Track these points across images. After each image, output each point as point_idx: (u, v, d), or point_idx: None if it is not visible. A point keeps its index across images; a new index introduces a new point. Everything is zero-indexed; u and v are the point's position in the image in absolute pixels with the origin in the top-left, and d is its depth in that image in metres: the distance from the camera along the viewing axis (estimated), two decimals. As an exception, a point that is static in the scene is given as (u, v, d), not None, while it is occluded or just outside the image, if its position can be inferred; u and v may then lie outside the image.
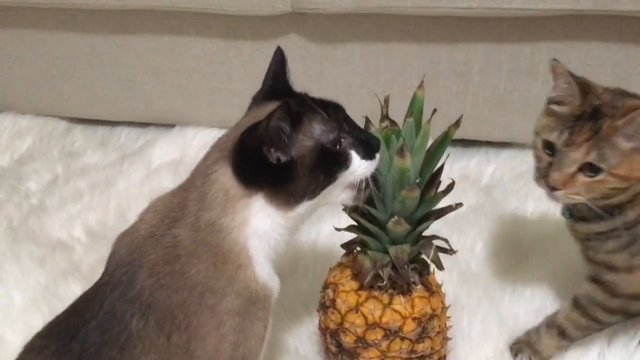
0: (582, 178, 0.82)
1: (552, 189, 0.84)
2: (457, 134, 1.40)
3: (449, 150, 1.39)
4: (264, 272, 0.78)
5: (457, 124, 0.84)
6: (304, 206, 0.76)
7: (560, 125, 0.83)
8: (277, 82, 0.83)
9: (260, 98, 0.83)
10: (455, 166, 1.41)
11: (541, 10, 1.15)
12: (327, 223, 1.17)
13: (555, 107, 0.86)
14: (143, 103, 1.54)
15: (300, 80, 1.44)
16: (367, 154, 0.76)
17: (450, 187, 0.85)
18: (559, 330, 0.96)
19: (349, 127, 0.77)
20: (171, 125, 1.55)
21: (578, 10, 1.14)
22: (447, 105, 1.37)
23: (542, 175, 0.86)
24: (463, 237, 1.21)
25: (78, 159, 1.51)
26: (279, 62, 0.85)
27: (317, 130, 0.74)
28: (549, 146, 0.85)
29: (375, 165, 0.78)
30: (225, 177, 0.75)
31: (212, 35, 1.38)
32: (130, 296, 0.72)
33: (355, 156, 0.76)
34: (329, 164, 0.75)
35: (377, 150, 0.77)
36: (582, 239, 0.93)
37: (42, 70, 1.54)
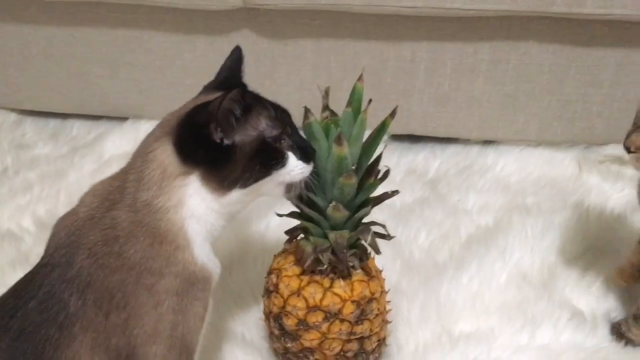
0: None
1: None
2: (405, 130, 1.48)
3: (398, 145, 1.49)
4: (202, 254, 0.79)
5: (392, 114, 0.88)
6: (236, 194, 0.79)
7: None
8: (231, 77, 0.86)
9: (211, 87, 0.87)
10: (402, 160, 1.45)
11: (481, 11, 1.20)
12: (275, 216, 1.20)
13: None
14: (96, 96, 1.54)
15: (253, 75, 1.47)
16: (304, 158, 0.81)
17: (386, 174, 0.89)
18: None
19: (292, 131, 0.81)
20: (124, 119, 1.55)
21: (516, 11, 1.19)
22: (395, 101, 1.38)
23: None
24: (408, 228, 1.26)
25: (28, 151, 1.50)
26: (235, 59, 0.88)
27: (263, 124, 0.78)
28: None
29: (309, 171, 0.82)
30: (164, 155, 0.77)
31: (166, 30, 1.40)
32: (69, 276, 0.73)
33: (292, 157, 0.80)
34: (266, 158, 0.79)
35: (313, 157, 0.83)
36: None
37: (-6, 61, 1.53)
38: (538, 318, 1.06)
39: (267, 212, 1.24)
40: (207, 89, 0.87)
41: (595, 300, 1.11)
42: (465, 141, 1.47)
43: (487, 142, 1.46)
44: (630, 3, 1.15)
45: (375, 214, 0.93)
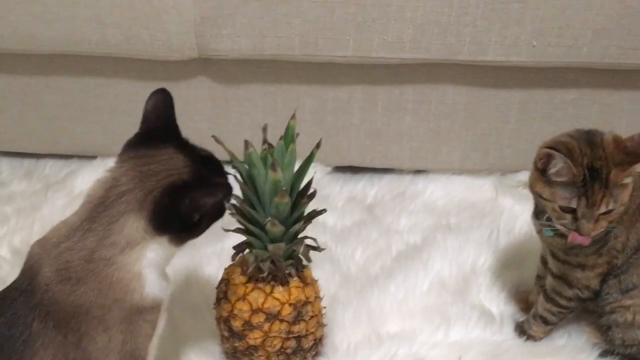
0: (603, 220, 1.00)
1: (584, 235, 1.01)
2: (346, 162, 1.68)
3: (340, 175, 1.68)
4: (155, 289, 0.87)
5: (317, 146, 1.05)
6: (191, 241, 0.90)
7: (572, 193, 0.98)
8: (164, 125, 0.91)
9: (143, 140, 0.91)
10: (344, 189, 1.64)
11: (401, 59, 1.41)
12: (230, 239, 1.36)
13: (558, 179, 1.00)
14: (67, 137, 1.69)
15: (210, 115, 1.67)
16: (228, 200, 0.92)
17: (313, 194, 1.06)
18: (542, 319, 1.17)
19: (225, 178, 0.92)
20: (93, 157, 1.70)
21: (430, 59, 1.40)
22: (335, 137, 1.61)
23: (570, 228, 1.02)
24: (346, 247, 1.43)
25: (4, 188, 1.64)
26: (166, 103, 0.92)
27: (220, 193, 0.88)
28: (572, 210, 1.00)
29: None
30: (133, 229, 0.83)
31: (131, 77, 1.57)
32: (31, 304, 0.83)
33: (226, 205, 0.92)
34: (219, 214, 0.90)
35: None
36: (561, 249, 1.10)
37: (-28, 107, 1.68)
38: (452, 318, 1.23)
39: (223, 236, 1.39)
40: (139, 142, 0.91)
41: (503, 304, 1.28)
42: (399, 171, 1.66)
43: (418, 172, 1.66)
44: (524, 52, 1.37)
45: (319, 236, 1.11)
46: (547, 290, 1.16)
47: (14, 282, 0.89)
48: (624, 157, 0.98)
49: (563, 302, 1.14)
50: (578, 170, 0.97)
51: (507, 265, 1.36)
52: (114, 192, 0.84)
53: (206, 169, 0.88)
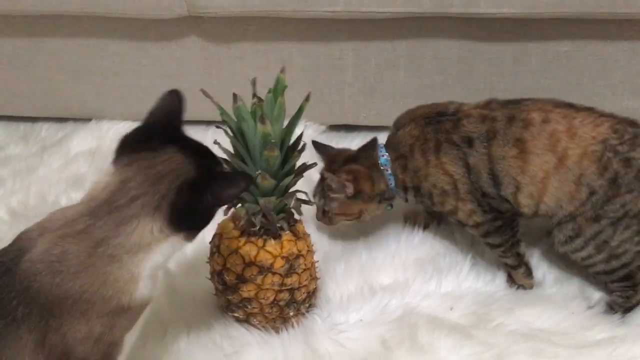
0: (325, 216, 1.29)
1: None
2: (340, 120, 1.68)
3: (335, 134, 1.68)
4: (145, 290, 0.87)
5: (307, 98, 1.05)
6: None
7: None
8: (168, 124, 0.89)
9: (142, 136, 0.87)
10: (339, 147, 1.63)
11: (393, 13, 1.39)
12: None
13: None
14: (61, 100, 1.70)
15: (202, 75, 1.66)
16: None
17: (302, 148, 1.07)
18: (508, 266, 1.24)
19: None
20: (88, 119, 1.71)
21: (421, 13, 1.39)
22: (328, 95, 1.61)
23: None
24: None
25: (0, 151, 1.65)
26: (176, 104, 0.89)
27: (243, 183, 0.87)
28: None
29: None
30: (144, 231, 0.83)
31: (121, 37, 1.57)
32: (17, 289, 0.82)
33: None
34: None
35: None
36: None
37: (-35, 71, 1.68)
38: (444, 270, 1.25)
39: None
40: (137, 140, 0.87)
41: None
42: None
43: (412, 129, 1.66)
44: (516, 3, 1.35)
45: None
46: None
47: (3, 249, 0.87)
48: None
49: (491, 240, 1.20)
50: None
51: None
52: (123, 195, 0.84)
53: (207, 162, 0.88)
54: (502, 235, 1.20)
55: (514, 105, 1.17)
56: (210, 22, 1.51)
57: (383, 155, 1.24)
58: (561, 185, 1.10)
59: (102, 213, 0.83)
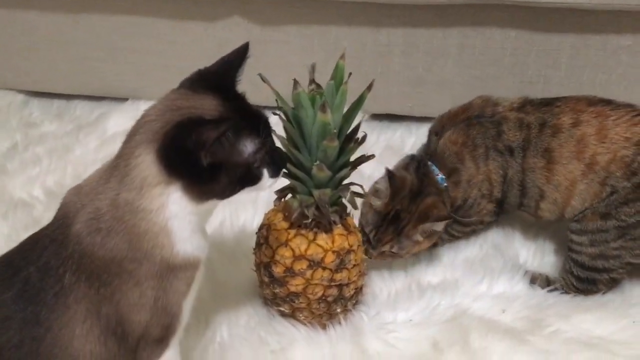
0: (389, 255, 1.17)
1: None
2: (384, 110, 1.62)
3: (378, 124, 1.63)
4: (187, 247, 0.83)
5: (369, 87, 1.00)
6: (212, 202, 0.84)
7: (372, 221, 1.15)
8: (225, 74, 0.85)
9: (200, 79, 0.85)
10: (382, 137, 1.59)
11: (447, -2, 1.34)
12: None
13: (372, 199, 1.16)
14: (98, 78, 1.66)
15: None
16: (275, 173, 0.86)
17: (363, 138, 1.02)
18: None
19: (269, 146, 0.84)
20: (124, 99, 1.67)
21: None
22: (375, 83, 1.55)
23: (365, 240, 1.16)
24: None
25: (36, 128, 1.62)
26: (240, 56, 0.87)
27: (249, 150, 0.80)
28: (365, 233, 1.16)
29: (277, 181, 0.87)
30: (145, 164, 0.78)
31: (163, 16, 1.52)
32: (63, 256, 0.80)
33: (265, 176, 0.84)
34: (247, 179, 0.83)
35: (284, 168, 0.88)
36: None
37: (1, 46, 1.64)
38: (496, 271, 1.20)
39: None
40: (201, 76, 0.85)
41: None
42: (438, 120, 1.61)
43: (458, 121, 1.60)
44: (582, -7, 1.29)
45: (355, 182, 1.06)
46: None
47: (46, 227, 0.85)
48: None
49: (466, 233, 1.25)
50: (387, 207, 1.12)
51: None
52: (139, 124, 0.81)
53: (243, 119, 0.80)
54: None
55: (546, 108, 1.15)
56: (257, 3, 1.46)
57: (438, 175, 1.18)
58: (588, 188, 1.10)
59: (122, 149, 0.81)
